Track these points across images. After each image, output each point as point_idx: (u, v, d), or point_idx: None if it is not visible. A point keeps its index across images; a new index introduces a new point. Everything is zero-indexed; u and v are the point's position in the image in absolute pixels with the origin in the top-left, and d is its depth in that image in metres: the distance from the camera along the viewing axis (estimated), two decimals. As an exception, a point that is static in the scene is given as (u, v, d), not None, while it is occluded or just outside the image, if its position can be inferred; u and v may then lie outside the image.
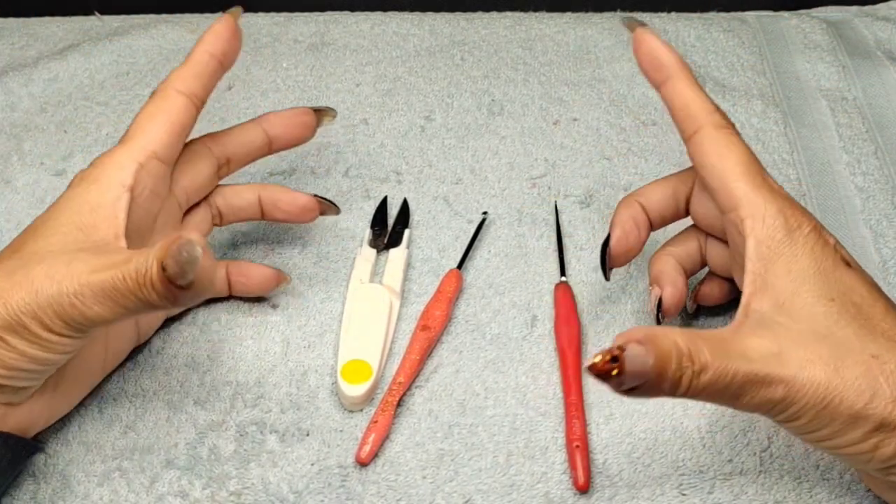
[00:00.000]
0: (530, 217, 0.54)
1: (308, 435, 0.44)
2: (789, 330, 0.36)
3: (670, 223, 0.47)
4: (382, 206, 0.54)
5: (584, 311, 0.49)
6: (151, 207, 0.43)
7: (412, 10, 0.71)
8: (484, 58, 0.66)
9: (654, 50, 0.42)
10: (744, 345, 0.35)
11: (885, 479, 0.37)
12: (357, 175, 0.57)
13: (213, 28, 0.45)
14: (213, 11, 0.71)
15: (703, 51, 0.66)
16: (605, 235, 0.45)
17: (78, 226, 0.39)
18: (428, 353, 0.47)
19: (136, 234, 0.42)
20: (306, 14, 0.70)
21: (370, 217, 0.54)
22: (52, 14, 0.71)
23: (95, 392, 0.45)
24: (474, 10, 0.70)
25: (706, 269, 0.47)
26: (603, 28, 0.68)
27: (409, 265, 0.52)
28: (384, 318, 0.47)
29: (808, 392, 0.34)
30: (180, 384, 0.46)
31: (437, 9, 0.71)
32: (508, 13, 0.70)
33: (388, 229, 0.53)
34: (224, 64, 0.45)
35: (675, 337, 0.33)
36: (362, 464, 0.43)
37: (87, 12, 0.71)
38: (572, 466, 0.42)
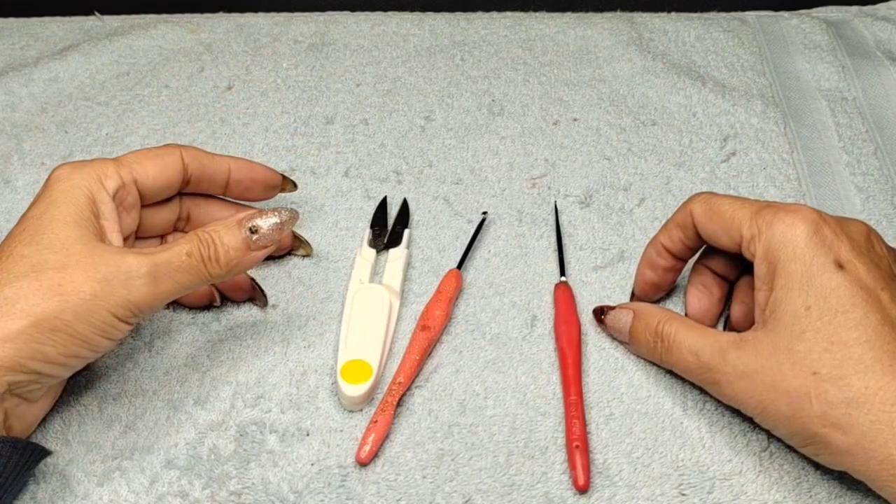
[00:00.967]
0: (530, 217, 0.54)
1: (308, 435, 0.44)
2: (760, 342, 0.40)
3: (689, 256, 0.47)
4: (382, 206, 0.54)
5: (584, 311, 0.49)
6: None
7: (412, 10, 0.71)
8: (484, 58, 0.66)
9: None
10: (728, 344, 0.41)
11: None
12: (357, 175, 0.57)
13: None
14: (213, 11, 0.71)
15: (703, 51, 0.66)
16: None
17: (86, 218, 0.40)
18: (428, 353, 0.47)
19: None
20: (306, 14, 0.70)
21: (370, 217, 0.54)
22: (52, 14, 0.71)
23: (95, 392, 0.45)
24: (474, 10, 0.71)
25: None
26: (603, 28, 0.68)
27: (409, 265, 0.52)
28: (384, 318, 0.47)
29: (745, 399, 0.40)
30: (180, 384, 0.46)
31: (437, 9, 0.71)
32: (508, 13, 0.70)
33: (388, 229, 0.53)
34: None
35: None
36: (362, 464, 0.43)
37: (87, 12, 0.71)
38: (572, 466, 0.42)
